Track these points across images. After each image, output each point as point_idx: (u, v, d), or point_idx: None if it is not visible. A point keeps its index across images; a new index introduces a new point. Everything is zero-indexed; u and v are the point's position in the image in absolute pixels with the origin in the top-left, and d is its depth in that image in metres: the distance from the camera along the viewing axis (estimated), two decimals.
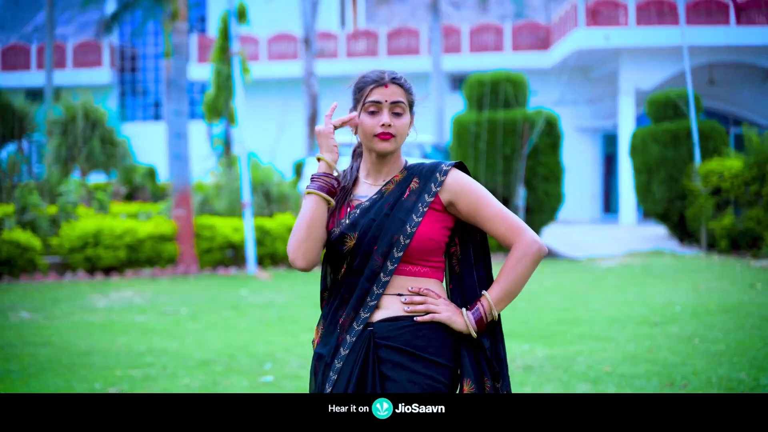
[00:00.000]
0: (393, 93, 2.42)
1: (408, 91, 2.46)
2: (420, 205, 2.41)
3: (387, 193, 2.46)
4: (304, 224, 2.41)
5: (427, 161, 2.51)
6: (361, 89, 2.45)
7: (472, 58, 23.94)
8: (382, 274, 2.39)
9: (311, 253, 2.43)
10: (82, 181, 15.71)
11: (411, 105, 2.48)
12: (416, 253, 2.39)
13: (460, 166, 2.49)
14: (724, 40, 19.64)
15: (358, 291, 2.40)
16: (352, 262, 2.43)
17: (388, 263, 2.38)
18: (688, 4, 19.36)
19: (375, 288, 2.39)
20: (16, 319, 8.31)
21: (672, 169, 14.80)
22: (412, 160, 2.60)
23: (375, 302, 2.39)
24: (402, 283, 2.41)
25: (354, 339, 2.38)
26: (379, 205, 2.43)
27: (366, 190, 2.50)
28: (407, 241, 2.37)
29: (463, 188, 2.43)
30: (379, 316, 2.40)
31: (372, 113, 2.43)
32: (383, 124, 2.41)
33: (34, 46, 26.96)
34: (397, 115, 2.43)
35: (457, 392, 2.41)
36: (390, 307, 2.40)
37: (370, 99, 2.42)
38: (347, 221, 2.44)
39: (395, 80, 2.44)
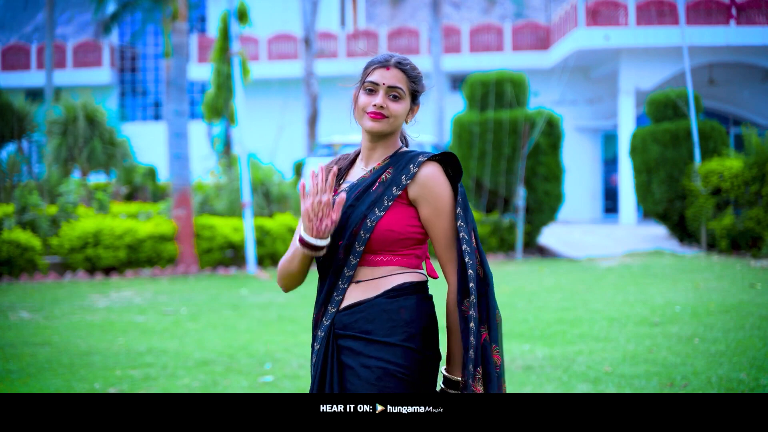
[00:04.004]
0: (393, 77, 2.41)
1: (412, 79, 2.43)
2: (386, 198, 2.38)
3: (362, 181, 2.44)
4: (287, 269, 2.46)
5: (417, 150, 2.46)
6: (366, 68, 2.46)
7: (472, 58, 23.93)
8: (346, 269, 2.40)
9: (289, 286, 2.51)
10: (82, 181, 15.70)
11: (414, 94, 2.45)
12: (377, 244, 2.37)
13: (447, 160, 2.41)
14: (724, 40, 19.64)
15: (327, 285, 2.42)
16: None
17: (351, 258, 2.38)
18: (688, 4, 19.36)
19: (340, 283, 2.41)
20: (16, 319, 8.31)
21: (672, 169, 14.78)
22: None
23: (340, 297, 2.40)
24: (364, 272, 2.40)
25: (323, 334, 2.41)
26: (348, 194, 2.43)
27: (356, 173, 2.50)
28: (368, 236, 2.36)
29: (432, 192, 2.38)
30: (340, 306, 2.42)
31: (369, 92, 2.43)
32: (375, 104, 2.40)
33: (34, 46, 26.95)
34: (395, 99, 2.41)
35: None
36: (349, 297, 2.40)
37: (369, 78, 2.43)
38: None
39: (399, 65, 2.42)
